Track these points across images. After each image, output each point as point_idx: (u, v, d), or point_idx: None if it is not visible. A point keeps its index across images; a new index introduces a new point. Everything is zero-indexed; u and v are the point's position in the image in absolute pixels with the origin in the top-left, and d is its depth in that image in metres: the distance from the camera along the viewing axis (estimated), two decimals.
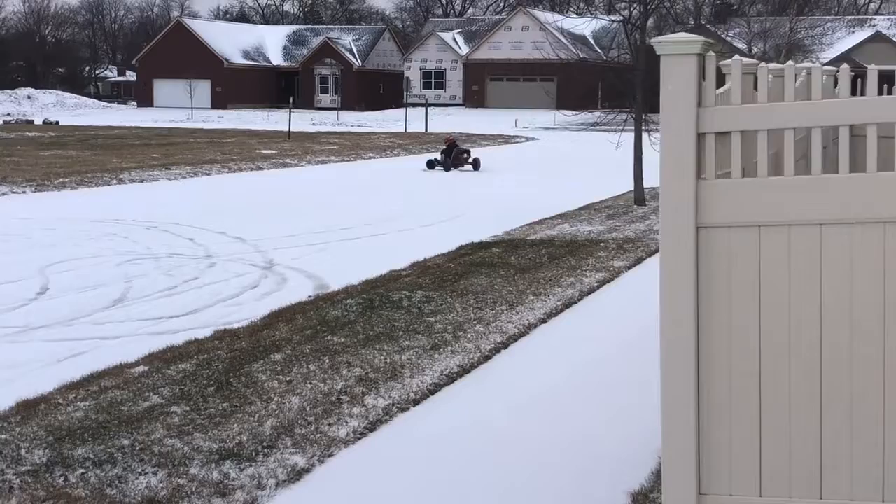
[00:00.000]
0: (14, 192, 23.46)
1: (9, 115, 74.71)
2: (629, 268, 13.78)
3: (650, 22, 22.18)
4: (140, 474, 6.21)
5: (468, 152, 32.51)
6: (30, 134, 49.71)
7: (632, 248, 15.26)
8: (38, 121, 67.37)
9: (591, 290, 12.15)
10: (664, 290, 4.81)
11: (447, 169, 31.19)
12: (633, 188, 21.71)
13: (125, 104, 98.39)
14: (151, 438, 6.81)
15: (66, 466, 6.33)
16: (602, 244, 15.65)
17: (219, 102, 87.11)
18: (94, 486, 6.04)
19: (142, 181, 26.91)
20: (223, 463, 6.40)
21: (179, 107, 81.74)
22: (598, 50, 69.96)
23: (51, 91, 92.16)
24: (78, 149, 38.29)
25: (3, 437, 6.85)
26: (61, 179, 25.91)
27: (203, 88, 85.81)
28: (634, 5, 21.94)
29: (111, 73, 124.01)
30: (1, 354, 9.25)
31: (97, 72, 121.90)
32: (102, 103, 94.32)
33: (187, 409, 7.44)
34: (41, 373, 8.65)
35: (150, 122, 67.25)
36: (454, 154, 31.71)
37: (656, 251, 15.15)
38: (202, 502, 5.85)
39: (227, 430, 6.98)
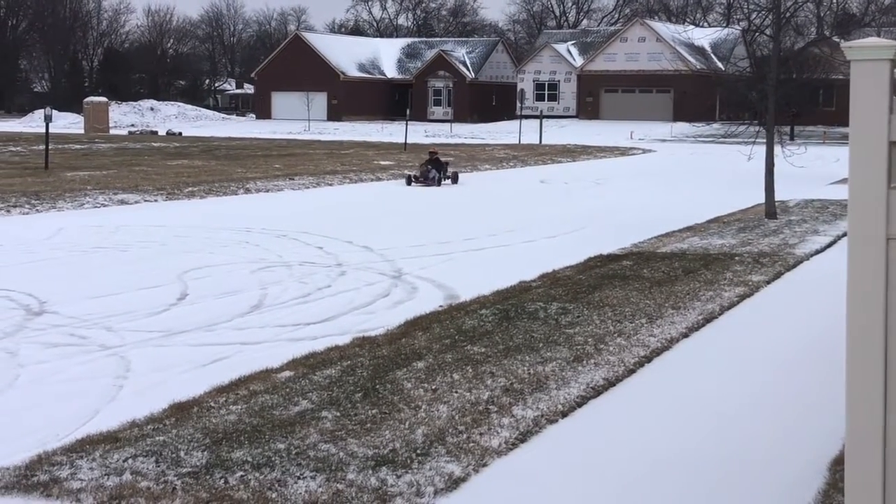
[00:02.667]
0: (146, 201, 24.12)
1: (133, 125, 77.09)
2: (769, 282, 13.45)
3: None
4: (299, 478, 6.25)
5: (448, 164, 31.45)
6: (155, 144, 51.17)
7: (769, 263, 14.89)
8: (161, 132, 69.37)
9: (732, 305, 11.88)
10: (851, 306, 4.62)
11: (438, 183, 29.43)
12: (761, 201, 21.21)
13: (243, 116, 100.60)
14: (306, 443, 6.86)
15: (226, 469, 6.41)
16: (737, 258, 15.31)
17: (334, 114, 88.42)
18: (254, 489, 6.10)
19: (267, 191, 27.42)
20: (379, 469, 6.40)
21: (296, 119, 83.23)
22: (717, 60, 68.88)
23: (172, 103, 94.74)
24: (203, 159, 39.23)
25: (161, 438, 6.98)
26: (190, 189, 26.56)
27: (319, 100, 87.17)
28: (765, 14, 21.46)
29: (229, 86, 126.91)
30: (147, 358, 9.44)
31: (216, 84, 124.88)
32: (222, 115, 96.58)
33: (338, 414, 7.49)
34: (188, 376, 8.81)
35: (268, 133, 68.65)
36: (444, 166, 30.38)
37: (795, 265, 14.83)
38: None
39: (380, 437, 6.99)
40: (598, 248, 16.31)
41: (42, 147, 33.72)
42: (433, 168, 29.68)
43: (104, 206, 23.01)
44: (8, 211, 21.18)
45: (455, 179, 30.45)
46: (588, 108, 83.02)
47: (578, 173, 35.69)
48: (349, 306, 11.91)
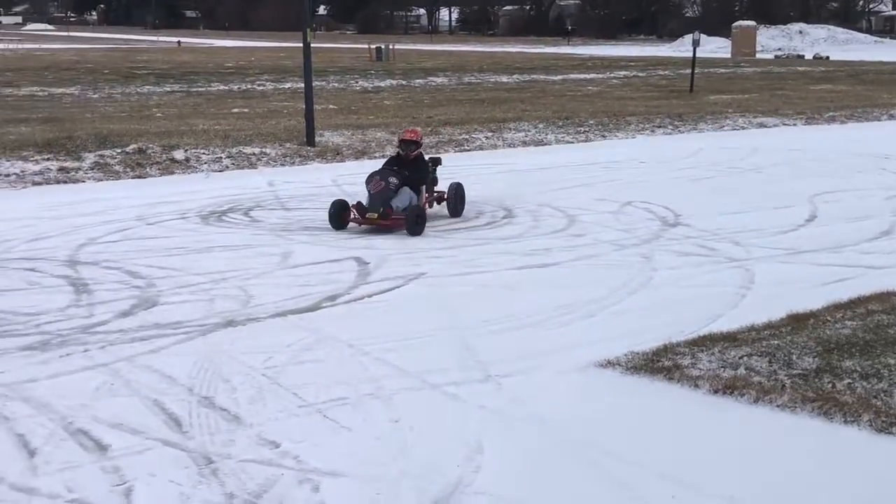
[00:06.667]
0: (785, 125, 24.36)
1: (780, 49, 76.64)
2: None
3: None
4: None
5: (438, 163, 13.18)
6: (800, 69, 50.69)
7: None
8: (808, 56, 68.24)
9: None
10: None
11: (418, 223, 11.61)
12: None
13: None
14: None
15: (834, 375, 6.74)
16: None
17: None
18: (859, 395, 6.38)
19: None
20: None
21: None
22: None
23: (822, 26, 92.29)
24: (848, 84, 38.21)
25: (775, 342, 7.47)
26: (831, 113, 26.26)
27: None
28: None
29: (885, 7, 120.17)
30: (773, 272, 9.92)
31: (870, 6, 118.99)
32: (874, 38, 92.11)
33: None
34: (807, 292, 9.13)
35: None
36: (426, 170, 12.53)
37: None
38: None
39: None
40: None
41: (688, 71, 35.19)
42: (399, 177, 12.03)
43: (743, 128, 23.65)
44: (652, 131, 22.72)
45: (458, 203, 12.69)
46: None
47: None
48: None
